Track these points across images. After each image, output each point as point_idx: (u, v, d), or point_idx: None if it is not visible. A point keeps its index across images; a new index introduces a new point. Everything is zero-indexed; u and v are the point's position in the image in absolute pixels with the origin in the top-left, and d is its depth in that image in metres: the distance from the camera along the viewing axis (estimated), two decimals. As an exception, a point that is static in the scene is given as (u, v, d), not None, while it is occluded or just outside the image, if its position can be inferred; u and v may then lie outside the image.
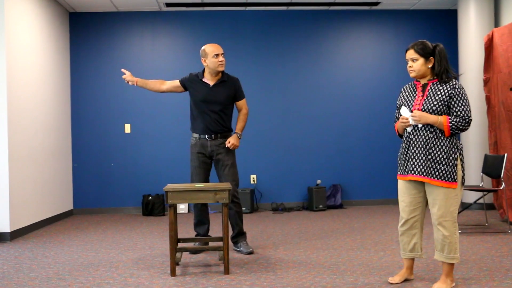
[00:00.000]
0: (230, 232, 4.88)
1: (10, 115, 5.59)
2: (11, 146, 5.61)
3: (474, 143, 7.14)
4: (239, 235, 4.79)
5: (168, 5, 7.53)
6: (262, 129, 7.84)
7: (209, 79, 4.73)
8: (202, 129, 4.71)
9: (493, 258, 4.24)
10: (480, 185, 6.16)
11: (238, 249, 4.74)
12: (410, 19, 8.04)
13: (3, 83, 5.53)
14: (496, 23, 7.21)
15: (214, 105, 4.68)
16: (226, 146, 4.69)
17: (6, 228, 5.51)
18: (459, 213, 5.77)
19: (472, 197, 6.83)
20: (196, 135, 4.76)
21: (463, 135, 7.30)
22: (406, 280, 3.59)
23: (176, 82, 4.86)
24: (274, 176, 7.86)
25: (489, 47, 6.58)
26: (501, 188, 5.68)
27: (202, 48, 4.71)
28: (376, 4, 7.72)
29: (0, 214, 5.50)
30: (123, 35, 7.82)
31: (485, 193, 6.02)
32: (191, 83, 4.77)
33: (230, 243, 4.90)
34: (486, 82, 6.67)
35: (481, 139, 7.07)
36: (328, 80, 7.96)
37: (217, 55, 4.62)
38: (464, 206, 6.67)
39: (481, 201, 6.32)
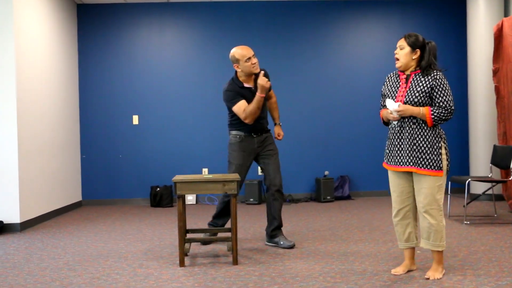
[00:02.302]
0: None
1: (19, 107, 5.61)
2: (20, 138, 5.64)
3: (483, 134, 7.10)
4: (278, 229, 4.59)
5: (175, -4, 7.52)
6: (269, 120, 7.82)
7: (248, 82, 4.53)
8: (250, 129, 4.56)
9: (502, 249, 4.23)
10: (489, 176, 6.14)
11: (275, 244, 4.53)
12: (418, 9, 7.98)
13: (12, 76, 5.55)
14: (506, 12, 7.15)
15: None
16: (277, 139, 4.76)
17: (16, 219, 5.55)
18: (467, 204, 5.78)
19: (481, 188, 6.81)
20: (240, 133, 4.59)
21: (471, 126, 7.27)
22: (409, 271, 3.59)
23: (241, 100, 4.46)
24: (282, 167, 7.74)
25: (498, 36, 6.52)
26: (510, 179, 5.65)
27: (231, 53, 4.49)
28: (384, -6, 7.66)
29: (10, 205, 5.55)
30: (130, 27, 7.82)
31: (494, 184, 5.99)
32: (241, 95, 4.47)
33: (239, 235, 4.90)
34: (495, 72, 6.63)
35: (490, 129, 7.04)
36: (336, 70, 7.94)
37: (249, 58, 4.42)
38: (473, 197, 6.66)
39: (490, 192, 6.30)
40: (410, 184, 3.51)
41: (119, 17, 7.78)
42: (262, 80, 4.31)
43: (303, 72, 7.92)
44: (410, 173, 3.49)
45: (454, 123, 7.71)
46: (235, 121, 4.62)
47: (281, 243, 4.49)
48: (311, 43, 7.92)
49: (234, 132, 4.65)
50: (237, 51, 4.46)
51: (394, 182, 3.56)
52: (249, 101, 4.44)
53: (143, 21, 7.81)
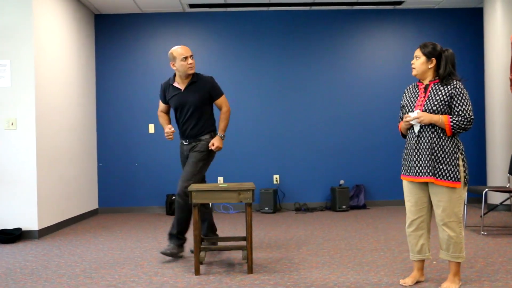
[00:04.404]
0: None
1: (38, 115, 5.70)
2: (39, 146, 5.72)
3: (500, 144, 7.04)
4: (169, 234, 4.55)
5: (191, 6, 7.59)
6: (285, 128, 7.85)
7: (180, 83, 4.62)
8: (181, 134, 4.69)
9: (520, 260, 4.18)
10: (507, 186, 6.07)
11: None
12: (435, 18, 7.96)
13: (31, 84, 5.64)
14: (523, 21, 7.09)
15: (188, 109, 4.56)
16: (210, 148, 4.57)
17: (34, 226, 5.62)
18: (484, 214, 5.72)
19: (498, 198, 6.74)
20: (180, 140, 4.75)
21: (489, 135, 7.21)
22: (417, 282, 3.57)
23: (160, 103, 4.81)
24: (297, 176, 7.86)
25: (516, 46, 6.48)
26: (528, 189, 5.59)
27: (170, 51, 4.57)
28: (400, 3, 7.66)
29: (29, 212, 5.62)
30: (147, 36, 7.90)
31: (511, 194, 5.93)
32: (166, 92, 4.68)
33: (254, 243, 4.91)
34: (512, 81, 6.57)
35: (507, 139, 6.97)
36: (352, 79, 7.94)
37: (185, 58, 4.49)
38: (490, 208, 6.59)
39: (507, 202, 6.23)
40: (426, 194, 3.49)
41: (135, 26, 7.87)
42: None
43: (319, 81, 7.93)
44: (426, 184, 3.47)
45: (471, 132, 7.65)
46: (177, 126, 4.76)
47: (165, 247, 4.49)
48: (327, 52, 7.93)
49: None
50: (175, 49, 4.53)
51: (409, 192, 3.54)
52: (173, 99, 4.61)
53: (159, 31, 7.89)
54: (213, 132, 4.67)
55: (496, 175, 7.08)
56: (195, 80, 4.60)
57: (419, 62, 3.47)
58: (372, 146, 7.88)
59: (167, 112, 4.82)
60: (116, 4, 7.40)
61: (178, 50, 4.50)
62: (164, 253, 4.40)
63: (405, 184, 3.57)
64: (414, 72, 3.51)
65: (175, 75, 4.64)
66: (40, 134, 5.75)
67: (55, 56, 6.31)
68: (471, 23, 7.93)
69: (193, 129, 4.59)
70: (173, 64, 4.55)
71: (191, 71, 4.55)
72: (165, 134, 4.60)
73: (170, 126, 4.63)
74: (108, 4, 7.41)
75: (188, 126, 4.60)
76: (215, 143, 4.58)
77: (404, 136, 3.65)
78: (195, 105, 4.56)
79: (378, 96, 7.89)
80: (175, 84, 4.62)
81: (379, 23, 7.98)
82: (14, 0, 5.62)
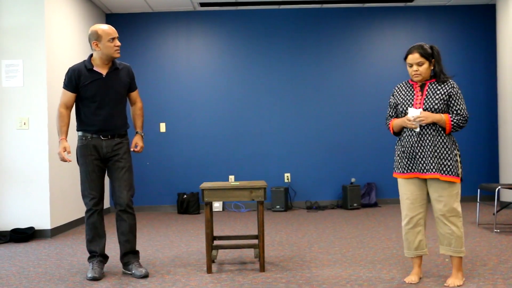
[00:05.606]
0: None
1: (50, 115, 5.74)
2: (51, 145, 5.76)
3: (513, 141, 6.99)
4: (129, 254, 3.99)
5: (202, 5, 7.60)
6: (295, 127, 7.85)
7: (100, 68, 3.90)
8: (97, 127, 3.93)
9: (534, 258, 4.15)
10: (520, 183, 6.03)
11: (129, 272, 3.93)
12: (446, 16, 7.91)
13: (43, 84, 5.68)
14: (536, 17, 7.03)
15: (109, 97, 3.91)
16: (134, 151, 4.13)
17: (47, 225, 5.67)
18: (497, 212, 5.68)
19: (511, 196, 6.69)
20: (87, 135, 3.96)
21: (501, 132, 7.15)
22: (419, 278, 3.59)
23: (67, 94, 3.91)
24: (308, 174, 7.85)
25: (528, 42, 6.42)
26: (542, 186, 5.54)
27: (93, 29, 3.84)
28: (411, 0, 7.62)
29: (41, 211, 5.67)
30: (158, 35, 7.93)
31: (525, 191, 5.88)
32: (79, 78, 3.86)
33: (266, 242, 4.90)
34: (525, 78, 6.52)
35: (521, 136, 6.91)
36: (363, 77, 7.91)
37: (113, 38, 3.84)
38: (503, 205, 6.54)
39: (520, 200, 6.18)
40: (424, 191, 3.51)
41: (146, 25, 7.90)
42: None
43: (330, 79, 7.91)
44: (423, 181, 3.49)
45: (483, 129, 7.60)
46: (80, 118, 3.99)
47: (133, 271, 3.89)
48: (337, 50, 7.91)
49: (79, 134, 4.02)
50: (100, 28, 3.84)
51: (407, 190, 3.54)
52: (91, 85, 3.86)
53: (170, 30, 7.91)
54: (127, 129, 4.13)
55: (508, 172, 7.03)
56: (118, 66, 3.96)
57: (425, 68, 3.45)
58: (383, 144, 7.84)
59: (70, 108, 3.98)
60: (127, 3, 7.44)
61: (105, 29, 3.83)
62: (145, 276, 3.85)
63: (402, 182, 3.57)
64: (419, 78, 3.47)
65: (91, 57, 3.92)
66: (52, 134, 5.79)
67: (66, 56, 6.35)
68: (483, 20, 7.87)
69: (115, 121, 3.98)
70: (96, 45, 3.82)
71: (118, 55, 3.89)
72: (62, 157, 3.94)
73: (69, 149, 3.96)
74: (119, 4, 7.45)
75: (109, 118, 3.94)
76: (139, 143, 4.15)
77: (395, 134, 3.64)
78: (120, 94, 3.98)
79: (389, 93, 7.83)
80: (95, 69, 3.89)
81: (390, 20, 7.94)
82: (26, 0, 5.67)
